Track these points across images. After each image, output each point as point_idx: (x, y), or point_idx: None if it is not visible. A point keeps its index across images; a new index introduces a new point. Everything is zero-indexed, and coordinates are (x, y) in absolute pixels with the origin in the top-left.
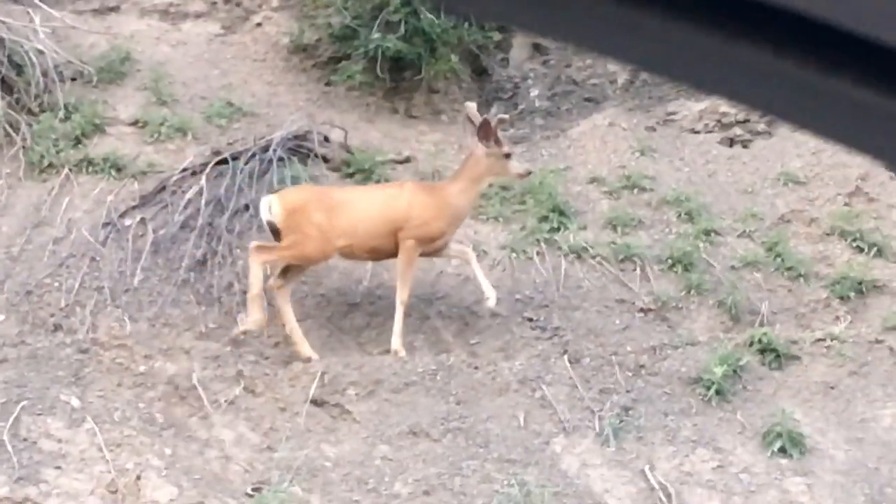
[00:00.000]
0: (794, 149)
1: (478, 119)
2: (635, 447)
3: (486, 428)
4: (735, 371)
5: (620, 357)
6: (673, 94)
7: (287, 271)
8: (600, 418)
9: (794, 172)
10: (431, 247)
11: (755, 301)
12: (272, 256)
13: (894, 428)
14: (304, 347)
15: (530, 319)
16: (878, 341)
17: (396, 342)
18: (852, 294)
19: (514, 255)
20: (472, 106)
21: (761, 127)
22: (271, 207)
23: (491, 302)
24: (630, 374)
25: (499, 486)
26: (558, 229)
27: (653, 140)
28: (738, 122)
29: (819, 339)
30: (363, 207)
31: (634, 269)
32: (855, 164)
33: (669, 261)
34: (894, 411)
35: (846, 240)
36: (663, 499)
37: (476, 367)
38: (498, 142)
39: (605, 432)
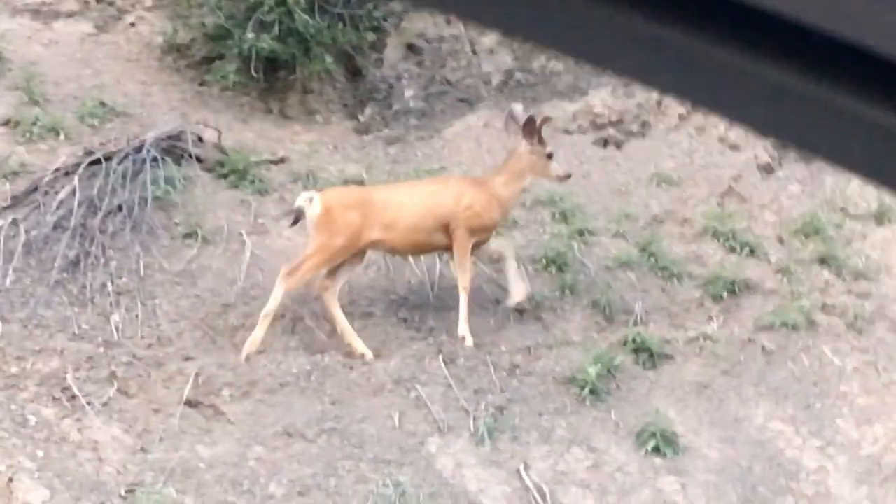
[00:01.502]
0: (668, 149)
1: (521, 118)
2: (510, 447)
3: (361, 428)
4: (609, 370)
5: (495, 357)
6: (547, 94)
7: (334, 272)
8: (475, 418)
9: (667, 173)
10: (480, 237)
11: (629, 301)
12: (300, 278)
13: (766, 427)
14: (359, 345)
15: (405, 320)
16: (750, 341)
17: (463, 328)
18: (725, 294)
19: (389, 255)
20: (517, 106)
21: (635, 128)
22: (313, 202)
23: (510, 302)
24: (505, 373)
25: (374, 487)
26: None
27: None
28: (611, 123)
29: (692, 339)
30: (407, 203)
31: None
32: (727, 165)
33: (544, 261)
34: (766, 410)
35: (719, 240)
36: (538, 498)
37: (351, 368)
38: (542, 141)
39: (480, 432)
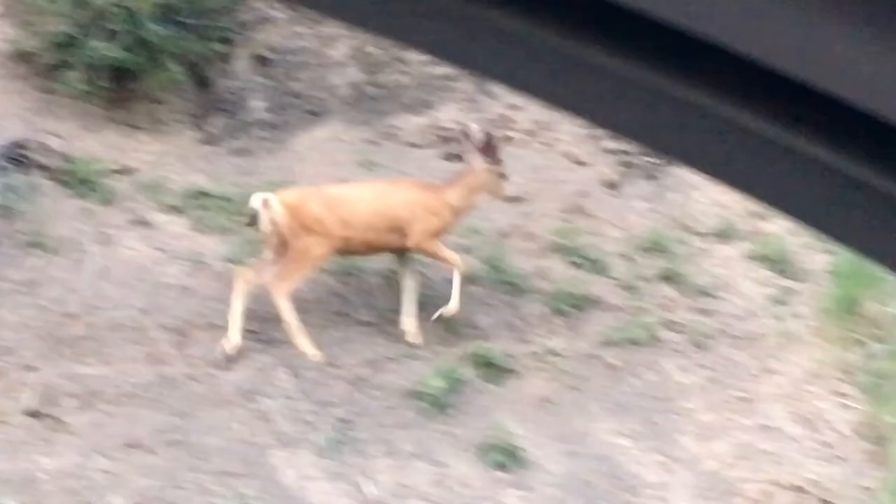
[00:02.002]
0: (515, 164)
1: (477, 138)
2: (354, 460)
3: (205, 440)
4: (454, 384)
5: (340, 370)
6: (395, 108)
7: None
8: (319, 431)
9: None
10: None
11: (474, 315)
12: (294, 282)
13: (609, 441)
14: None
15: (251, 331)
16: (594, 356)
17: (453, 305)
18: (570, 309)
19: (235, 267)
20: (474, 127)
21: None
22: (271, 206)
23: (447, 311)
24: (350, 386)
25: (217, 499)
26: None
27: (374, 153)
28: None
29: (537, 354)
30: (361, 200)
31: (355, 283)
32: (573, 181)
33: (389, 274)
34: (609, 425)
35: (564, 255)
36: None
37: (195, 379)
38: (497, 161)
39: (324, 445)
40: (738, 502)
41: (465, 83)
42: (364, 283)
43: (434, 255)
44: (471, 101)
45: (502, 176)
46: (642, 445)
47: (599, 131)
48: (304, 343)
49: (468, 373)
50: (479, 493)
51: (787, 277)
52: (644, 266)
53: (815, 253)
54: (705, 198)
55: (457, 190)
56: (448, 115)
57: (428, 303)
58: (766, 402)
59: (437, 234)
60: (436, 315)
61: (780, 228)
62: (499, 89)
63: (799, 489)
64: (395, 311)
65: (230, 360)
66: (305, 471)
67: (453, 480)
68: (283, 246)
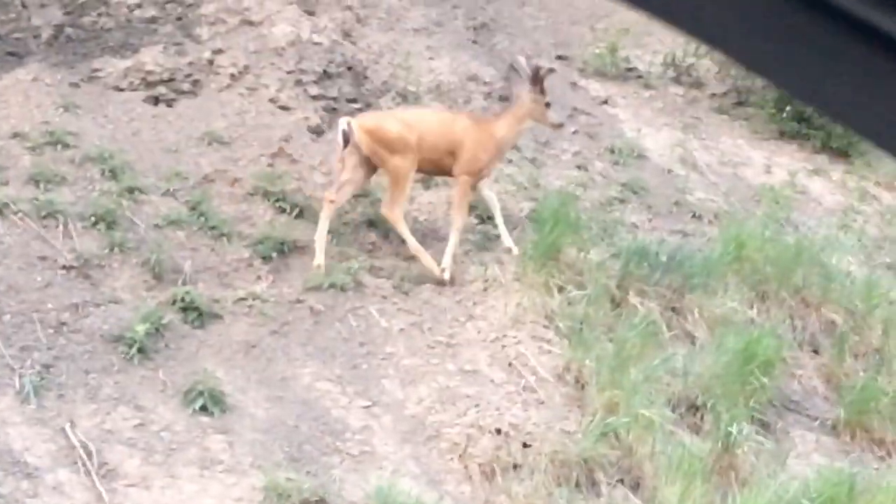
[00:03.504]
0: (219, 108)
1: (525, 69)
2: (56, 405)
3: None
4: (157, 329)
5: (42, 314)
6: (98, 50)
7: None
8: (21, 376)
9: (218, 132)
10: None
11: (178, 260)
12: (400, 203)
13: (314, 387)
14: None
15: None
16: (298, 301)
17: (448, 261)
18: (274, 254)
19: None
20: (521, 59)
21: (186, 87)
22: (352, 128)
23: (515, 251)
24: (52, 331)
25: None
26: None
27: (77, 96)
28: (162, 81)
29: (241, 299)
30: (429, 123)
31: (57, 226)
32: (278, 126)
33: (93, 218)
34: (314, 370)
35: (269, 200)
36: (84, 457)
37: None
38: (543, 91)
39: (26, 390)
40: (441, 446)
41: (170, 26)
42: (67, 227)
43: (460, 193)
44: (176, 44)
45: (548, 105)
46: (347, 390)
47: (305, 76)
48: (428, 261)
49: (172, 318)
50: (182, 437)
51: (489, 224)
52: (349, 211)
53: (520, 200)
54: None
55: (505, 122)
56: (152, 58)
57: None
58: (469, 347)
59: (480, 167)
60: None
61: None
62: (204, 33)
63: (500, 433)
64: (99, 255)
65: None
66: (7, 416)
67: (156, 425)
68: (359, 167)
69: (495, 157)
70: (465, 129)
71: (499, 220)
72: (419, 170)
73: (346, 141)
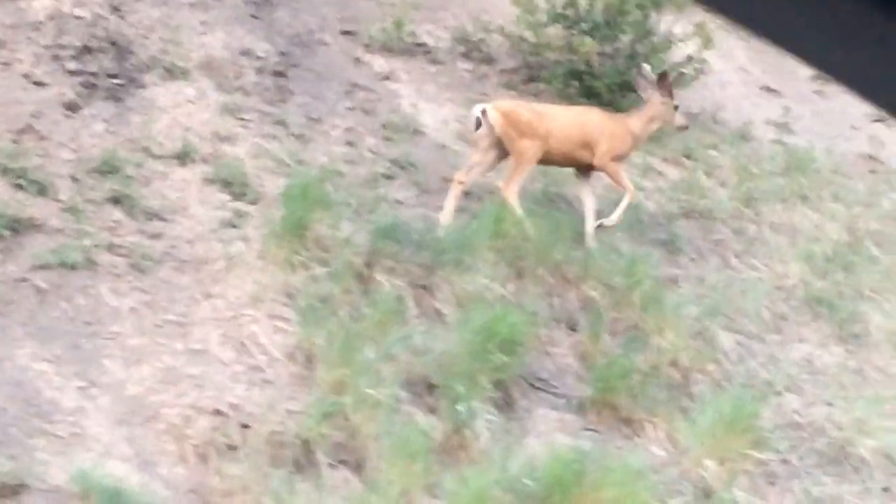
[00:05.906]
0: None
1: (650, 76)
2: None
3: None
4: None
5: None
6: None
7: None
8: None
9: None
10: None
11: None
12: (517, 182)
13: (29, 367)
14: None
15: None
16: (24, 280)
17: (614, 218)
18: (6, 232)
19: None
20: (647, 67)
21: None
22: (488, 114)
23: (607, 222)
24: None
25: None
26: None
27: None
28: None
29: None
30: (562, 116)
31: None
32: (29, 101)
33: None
34: (32, 350)
35: (8, 177)
36: None
37: None
38: (671, 94)
39: None
40: (158, 427)
41: None
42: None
43: (613, 176)
44: None
45: (676, 108)
46: (63, 370)
47: (63, 51)
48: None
49: None
50: None
51: (242, 201)
52: (93, 189)
53: (273, 176)
54: (170, 120)
55: (639, 120)
56: None
57: None
58: (202, 326)
59: (618, 157)
60: (597, 223)
61: (241, 151)
62: None
63: (219, 413)
64: None
65: None
66: None
67: None
68: (490, 150)
69: (630, 150)
70: (600, 121)
71: (589, 220)
72: (554, 162)
73: (479, 124)
